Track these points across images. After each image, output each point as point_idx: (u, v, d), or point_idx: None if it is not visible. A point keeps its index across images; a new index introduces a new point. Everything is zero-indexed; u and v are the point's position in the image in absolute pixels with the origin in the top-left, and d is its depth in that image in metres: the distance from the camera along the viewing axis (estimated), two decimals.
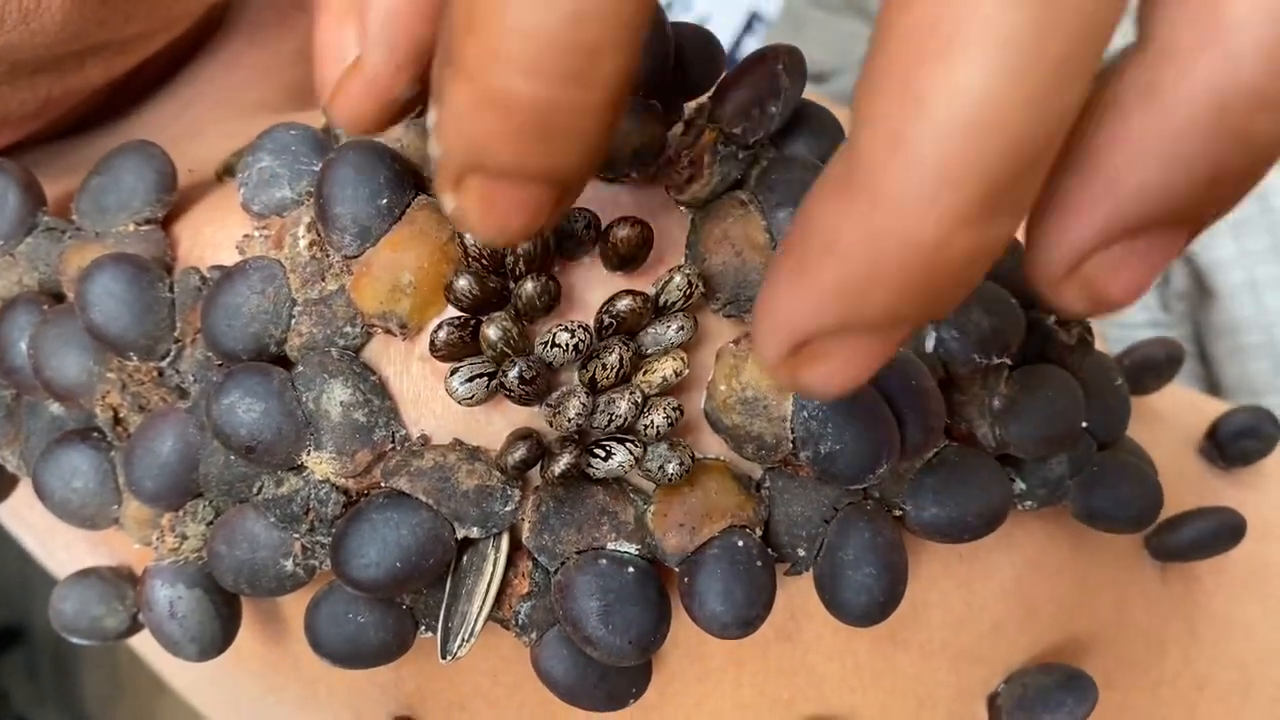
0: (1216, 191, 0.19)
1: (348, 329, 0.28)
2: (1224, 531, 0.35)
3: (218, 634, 0.30)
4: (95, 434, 0.31)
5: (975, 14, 0.17)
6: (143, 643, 0.42)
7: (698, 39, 0.30)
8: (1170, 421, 0.41)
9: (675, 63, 0.29)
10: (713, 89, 0.30)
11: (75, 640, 0.34)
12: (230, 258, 0.30)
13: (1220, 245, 0.58)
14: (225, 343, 0.28)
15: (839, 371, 0.20)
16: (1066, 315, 0.21)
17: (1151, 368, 0.39)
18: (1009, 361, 0.30)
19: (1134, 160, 0.19)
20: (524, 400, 0.27)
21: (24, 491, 0.36)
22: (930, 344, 0.30)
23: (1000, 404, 0.30)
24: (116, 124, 0.40)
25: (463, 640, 0.28)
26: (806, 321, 0.20)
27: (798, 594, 0.30)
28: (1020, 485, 0.31)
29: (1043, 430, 0.30)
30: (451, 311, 0.28)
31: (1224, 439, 0.39)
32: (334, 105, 0.24)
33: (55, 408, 0.32)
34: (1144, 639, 0.36)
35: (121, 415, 0.30)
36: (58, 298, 0.31)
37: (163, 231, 0.31)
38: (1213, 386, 0.59)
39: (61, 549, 0.38)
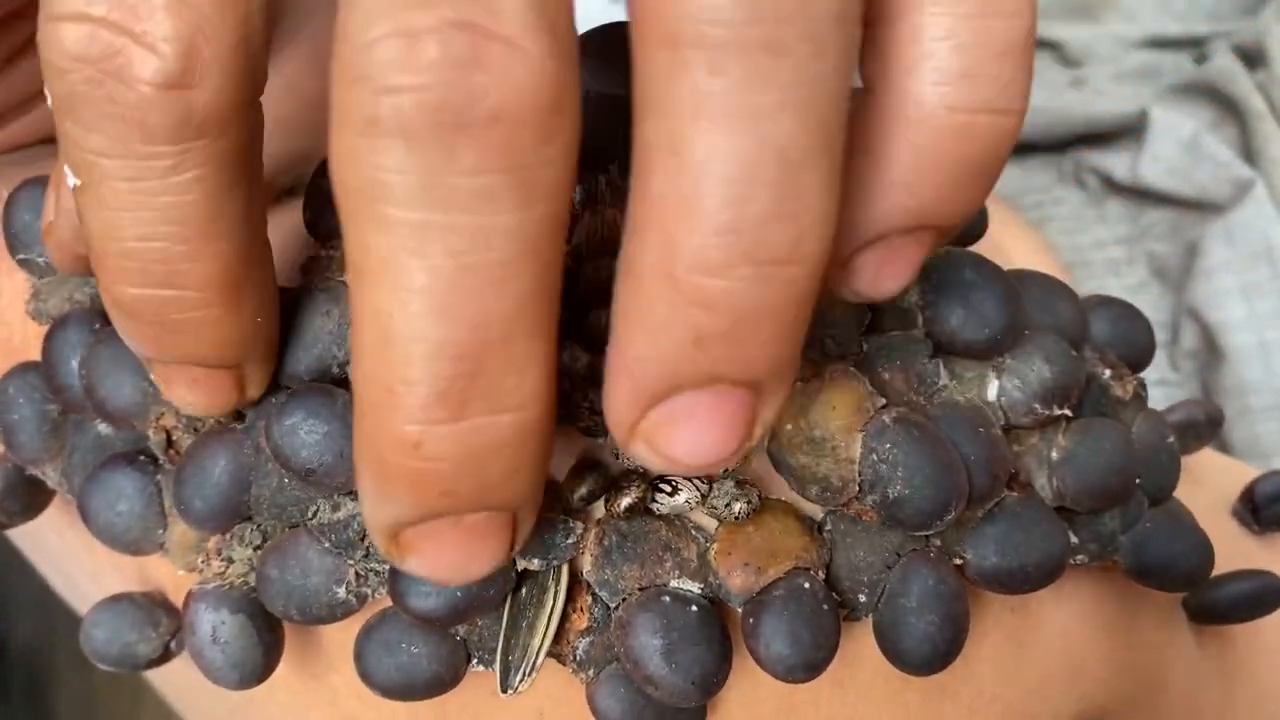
0: (710, 353, 0.19)
1: None
2: (1266, 594, 0.34)
3: (259, 662, 0.28)
4: (142, 456, 0.29)
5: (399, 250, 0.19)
6: (163, 680, 0.40)
7: None
8: (1205, 483, 0.40)
9: None
10: None
11: (105, 668, 0.32)
12: (290, 279, 0.29)
13: (1230, 307, 0.58)
14: (288, 364, 0.27)
15: (447, 557, 0.22)
16: (645, 466, 0.21)
17: (1192, 428, 0.38)
18: (1069, 413, 0.29)
19: (628, 332, 0.20)
20: (591, 431, 0.26)
21: (49, 516, 0.34)
22: (992, 393, 0.29)
23: (1058, 455, 0.29)
24: None
25: (524, 674, 0.27)
26: (386, 519, 0.22)
27: (850, 640, 0.29)
28: (1072, 539, 0.30)
29: (1099, 484, 0.29)
30: None
31: (1260, 502, 0.38)
32: None
33: (102, 427, 0.30)
34: (1182, 702, 0.35)
35: (175, 438, 0.29)
36: (108, 317, 0.30)
37: None
38: (1221, 448, 0.58)
39: (87, 578, 0.37)
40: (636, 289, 0.19)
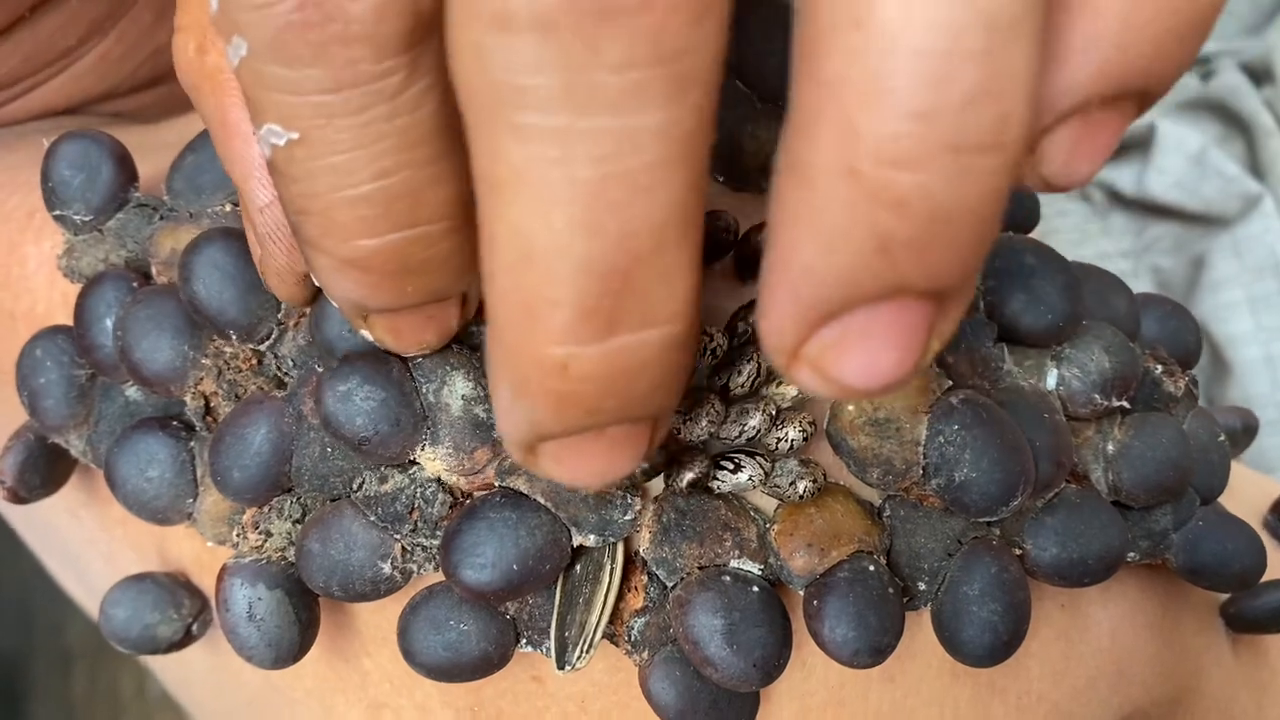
0: (895, 261, 0.16)
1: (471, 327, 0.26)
2: None
3: (295, 640, 0.27)
4: (175, 423, 0.28)
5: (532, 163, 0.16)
6: (174, 670, 0.39)
7: None
8: (1236, 495, 0.39)
9: None
10: None
11: (123, 650, 0.31)
12: None
13: (1237, 320, 0.57)
14: (328, 334, 0.26)
15: (589, 466, 0.20)
16: (809, 392, 0.19)
17: (1229, 435, 0.37)
18: (1126, 405, 0.28)
19: (796, 242, 0.17)
20: None
21: (64, 497, 0.33)
22: (1052, 381, 0.28)
23: (1114, 449, 0.28)
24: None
25: (583, 650, 0.25)
26: (526, 433, 0.20)
27: (904, 632, 0.28)
28: None
29: (1155, 478, 0.28)
30: None
31: None
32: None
33: (132, 392, 0.29)
34: (1216, 711, 0.34)
35: (213, 405, 0.27)
36: (146, 278, 0.29)
37: None
38: None
39: (102, 561, 0.35)
40: (806, 191, 0.16)
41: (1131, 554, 0.29)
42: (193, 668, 0.35)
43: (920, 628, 0.28)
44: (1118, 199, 0.64)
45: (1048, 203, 0.67)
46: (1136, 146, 0.63)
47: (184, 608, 0.30)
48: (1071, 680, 0.30)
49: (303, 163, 0.19)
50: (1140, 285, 0.63)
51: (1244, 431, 0.37)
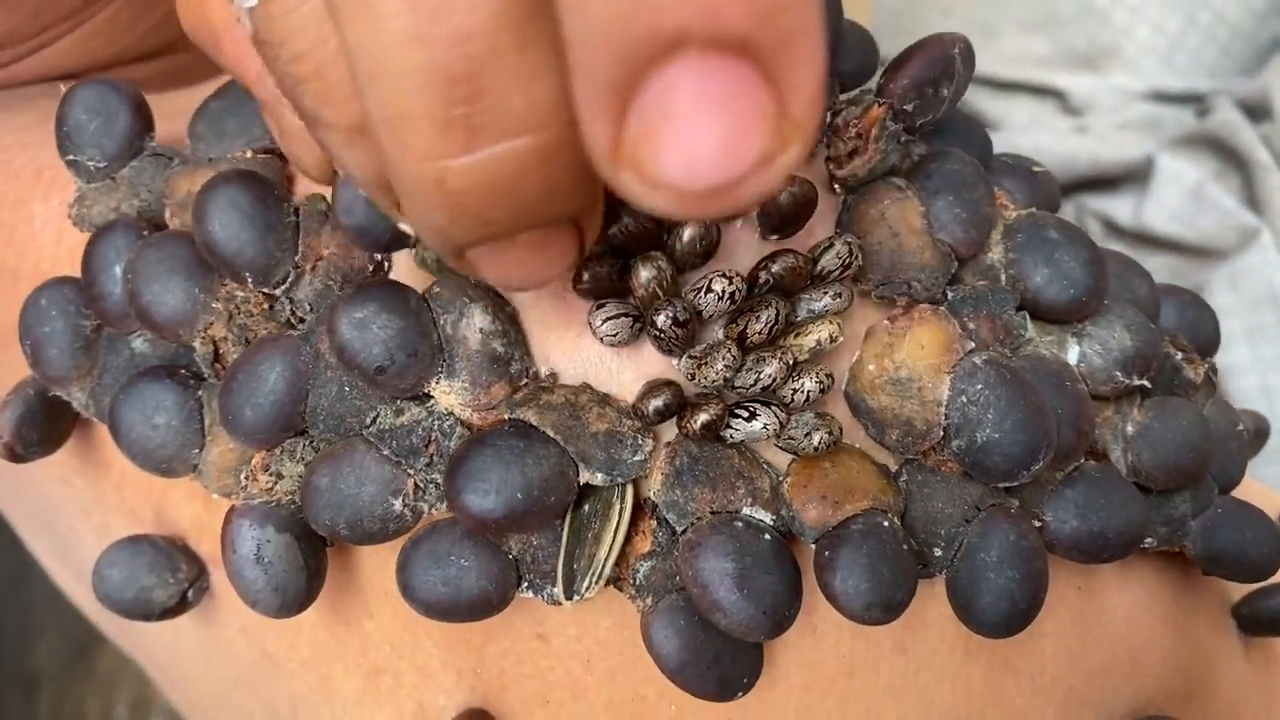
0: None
1: None
2: None
3: (302, 588, 0.26)
4: (182, 371, 0.27)
5: None
6: (159, 645, 0.37)
7: (857, 33, 0.28)
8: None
9: (833, 53, 0.27)
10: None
11: (116, 613, 0.30)
12: None
13: (1235, 350, 0.57)
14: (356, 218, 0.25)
15: (515, 270, 0.20)
16: (638, 206, 0.16)
17: None
18: (1147, 384, 0.28)
19: (573, 22, 0.15)
20: (670, 346, 0.24)
21: (57, 464, 0.32)
22: (1073, 357, 0.27)
23: (1134, 429, 0.27)
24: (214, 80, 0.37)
25: (592, 580, 0.24)
26: (439, 242, 0.19)
27: (917, 604, 0.27)
28: None
29: (1175, 460, 0.27)
30: None
31: None
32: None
33: (138, 343, 0.28)
34: (1226, 713, 0.33)
35: (223, 351, 0.26)
36: (157, 229, 0.28)
37: (281, 162, 0.28)
38: None
39: (94, 533, 0.34)
40: None
41: (1149, 539, 0.28)
42: (182, 639, 0.34)
43: (935, 599, 0.27)
44: (1115, 231, 0.64)
45: None
46: (1135, 179, 0.63)
47: (181, 572, 0.29)
48: (1086, 664, 0.29)
49: (278, 20, 0.19)
50: None
51: (1256, 434, 0.36)
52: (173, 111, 0.31)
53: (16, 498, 0.39)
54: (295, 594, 0.26)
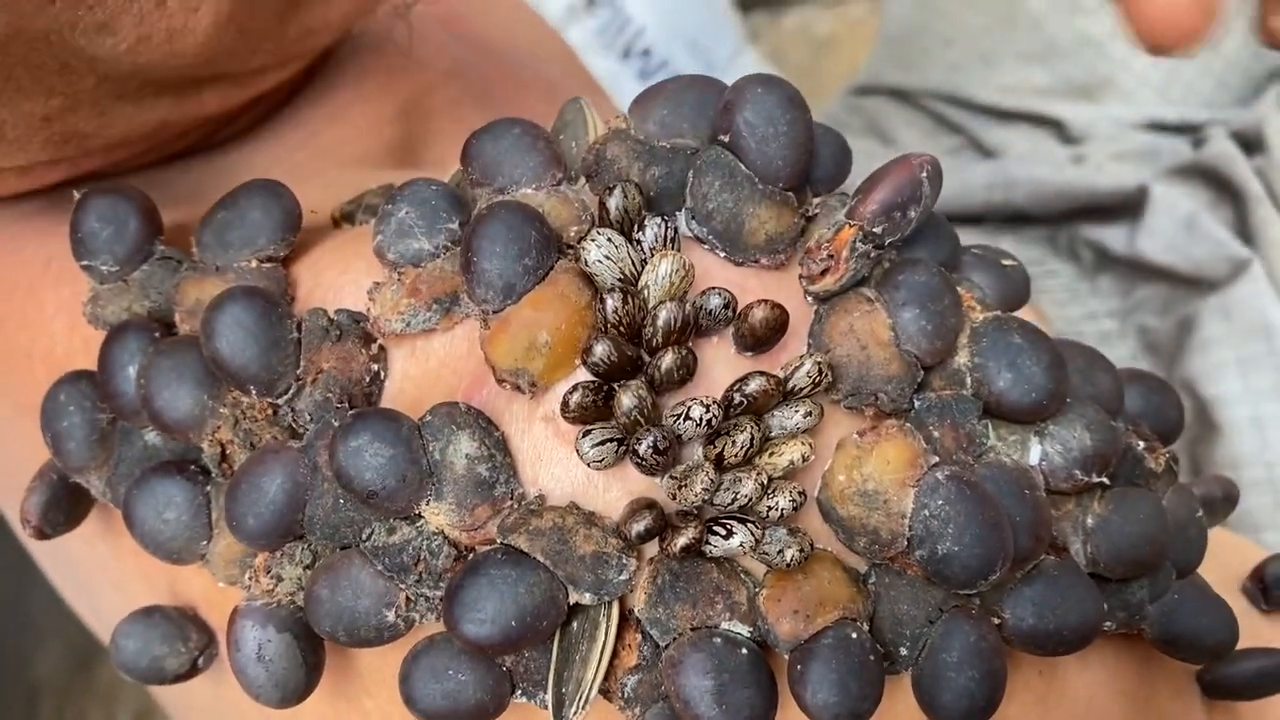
0: None
1: None
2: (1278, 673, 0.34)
3: (302, 681, 0.28)
4: (192, 466, 0.29)
5: None
6: (180, 703, 0.39)
7: (830, 139, 0.29)
8: (1216, 560, 0.39)
9: (809, 161, 0.28)
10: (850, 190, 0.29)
11: (132, 680, 0.31)
12: (354, 302, 0.28)
13: (1226, 381, 0.58)
14: None
15: None
16: None
17: (1209, 504, 0.37)
18: (1106, 481, 0.29)
19: None
20: (652, 470, 0.25)
21: (82, 525, 0.33)
22: (1034, 456, 0.28)
23: (1093, 522, 0.29)
24: (218, 158, 0.38)
25: (579, 705, 0.26)
26: None
27: (887, 699, 0.28)
28: None
29: (1133, 552, 0.29)
30: (578, 375, 0.26)
31: (1270, 582, 0.38)
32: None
33: (151, 436, 0.29)
34: None
35: (229, 452, 0.28)
36: (167, 328, 0.29)
37: (284, 271, 0.29)
38: None
39: (111, 588, 0.36)
40: None
41: (1108, 624, 0.30)
42: (195, 698, 0.36)
43: (903, 691, 0.28)
44: (1107, 259, 0.65)
45: (1038, 262, 0.67)
46: (1129, 209, 0.64)
47: (191, 641, 0.31)
48: None
49: None
50: (1127, 345, 0.64)
51: (1224, 500, 0.38)
52: (183, 195, 0.33)
53: (44, 548, 0.40)
54: (295, 688, 0.27)
